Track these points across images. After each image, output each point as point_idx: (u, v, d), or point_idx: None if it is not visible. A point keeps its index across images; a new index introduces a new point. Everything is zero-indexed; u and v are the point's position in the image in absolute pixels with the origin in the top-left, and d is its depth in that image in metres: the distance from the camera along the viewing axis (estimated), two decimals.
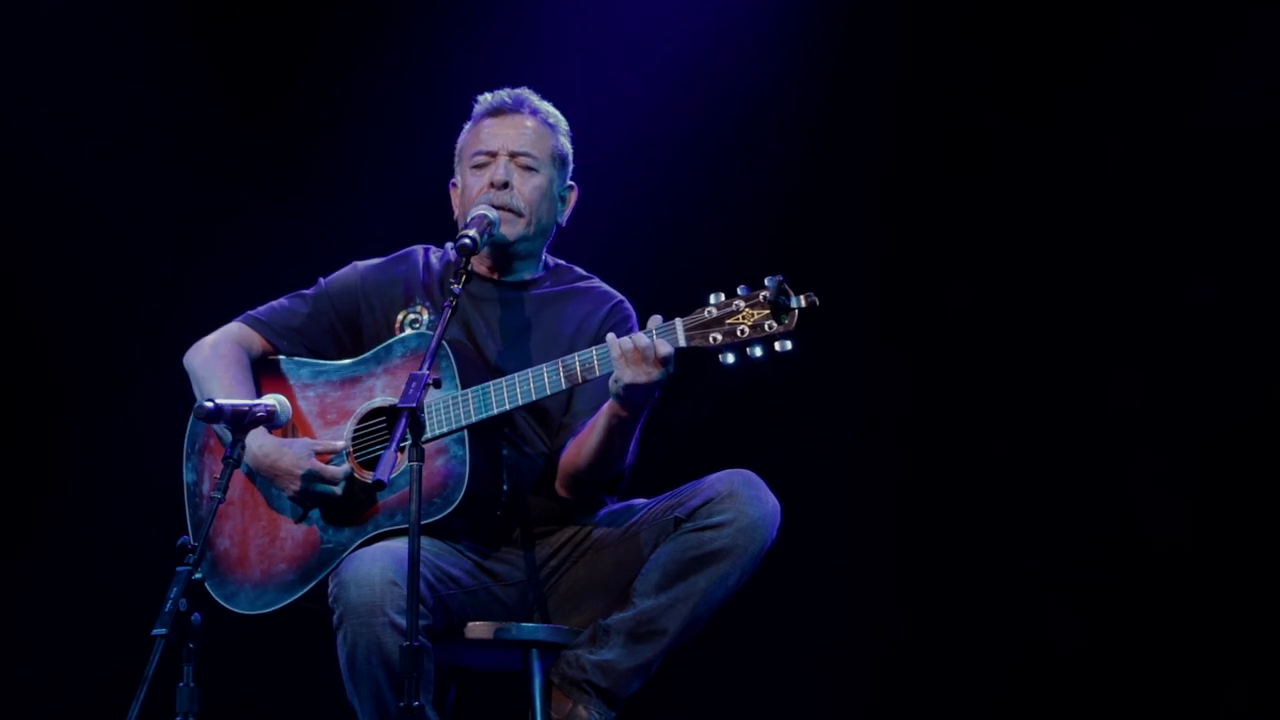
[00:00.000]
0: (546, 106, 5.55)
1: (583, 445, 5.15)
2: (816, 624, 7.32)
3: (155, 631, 4.37)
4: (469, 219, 5.24)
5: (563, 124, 5.53)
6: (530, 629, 5.15)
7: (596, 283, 5.58)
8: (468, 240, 5.09)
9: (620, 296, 5.54)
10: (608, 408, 5.01)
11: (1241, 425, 7.10)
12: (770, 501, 5.06)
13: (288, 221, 7.57)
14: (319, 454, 5.14)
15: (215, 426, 5.21)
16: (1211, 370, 7.12)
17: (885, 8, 7.53)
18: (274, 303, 5.51)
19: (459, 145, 5.55)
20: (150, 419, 6.98)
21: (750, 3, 7.59)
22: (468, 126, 5.54)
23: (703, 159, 7.58)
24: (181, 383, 5.48)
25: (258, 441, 5.10)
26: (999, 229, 7.35)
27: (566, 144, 5.51)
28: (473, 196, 5.40)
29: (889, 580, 7.37)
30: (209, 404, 4.71)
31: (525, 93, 5.53)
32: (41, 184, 7.66)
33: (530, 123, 5.47)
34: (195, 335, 5.47)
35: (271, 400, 4.83)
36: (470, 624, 5.12)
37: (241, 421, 4.70)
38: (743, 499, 5.01)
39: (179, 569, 4.43)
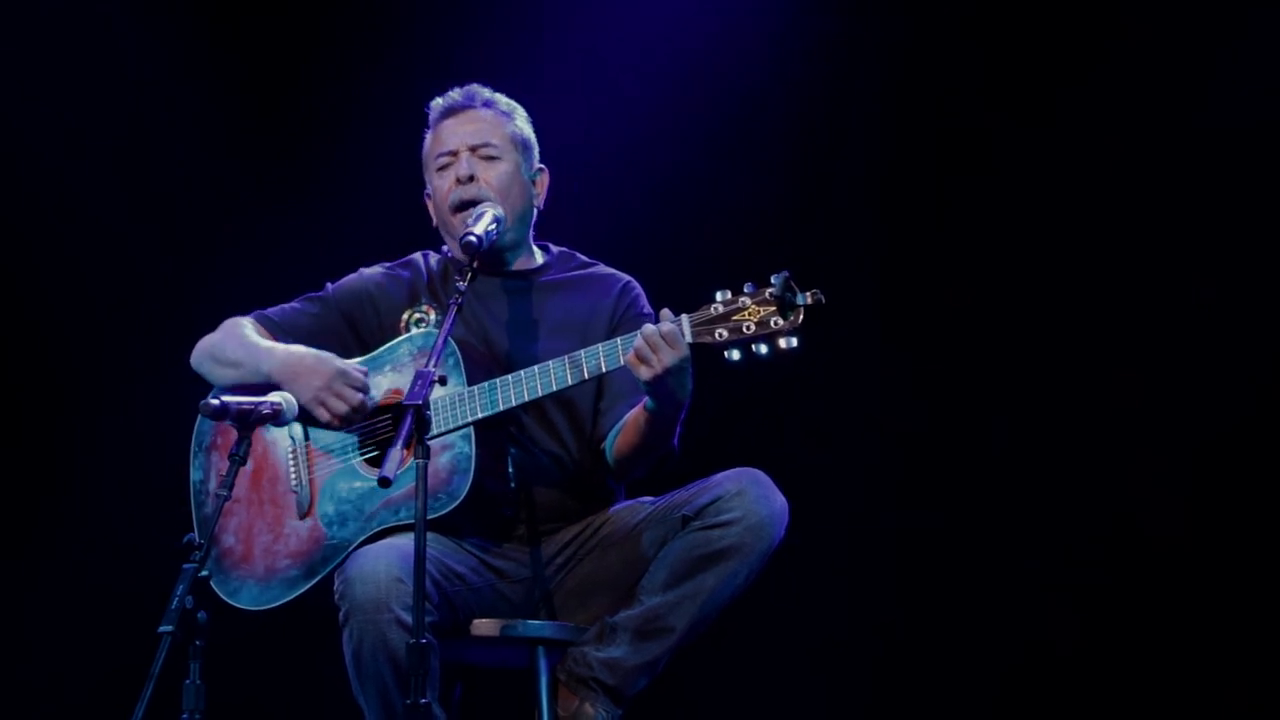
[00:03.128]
0: (499, 96, 5.57)
1: (627, 440, 5.17)
2: (817, 623, 7.32)
3: (162, 629, 4.36)
4: (475, 215, 5.25)
5: (518, 110, 5.56)
6: (536, 626, 5.14)
7: (602, 267, 5.59)
8: (473, 238, 5.09)
9: (628, 277, 5.54)
10: (644, 405, 5.02)
11: (1242, 425, 7.10)
12: (778, 500, 5.06)
13: (289, 222, 7.58)
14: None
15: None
16: (1211, 370, 7.12)
17: (885, 8, 7.54)
18: (284, 305, 5.52)
19: (423, 155, 5.58)
20: (150, 419, 6.98)
21: (750, 3, 7.59)
22: (427, 134, 5.56)
23: (703, 159, 7.58)
24: (183, 383, 5.48)
25: (283, 347, 5.15)
26: (999, 229, 7.36)
27: (526, 128, 5.53)
28: (443, 198, 5.43)
29: (889, 580, 7.37)
30: (214, 401, 4.69)
31: (475, 87, 5.56)
32: (42, 184, 7.66)
33: (485, 114, 5.51)
34: (195, 335, 5.47)
35: (278, 397, 4.82)
36: (476, 621, 5.11)
37: (247, 419, 4.68)
38: (751, 497, 5.01)
39: (185, 566, 4.42)
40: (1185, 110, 7.16)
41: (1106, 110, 7.25)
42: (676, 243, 7.49)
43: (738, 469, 5.12)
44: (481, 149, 5.41)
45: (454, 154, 5.43)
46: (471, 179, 5.37)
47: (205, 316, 5.61)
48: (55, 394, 7.67)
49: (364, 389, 5.17)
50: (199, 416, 5.32)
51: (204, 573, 4.43)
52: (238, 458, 4.63)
